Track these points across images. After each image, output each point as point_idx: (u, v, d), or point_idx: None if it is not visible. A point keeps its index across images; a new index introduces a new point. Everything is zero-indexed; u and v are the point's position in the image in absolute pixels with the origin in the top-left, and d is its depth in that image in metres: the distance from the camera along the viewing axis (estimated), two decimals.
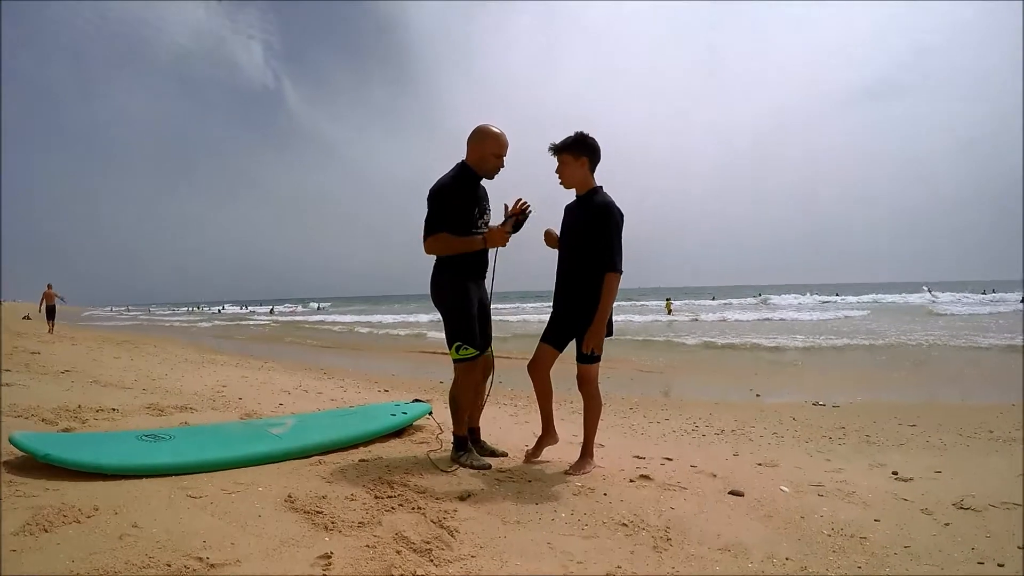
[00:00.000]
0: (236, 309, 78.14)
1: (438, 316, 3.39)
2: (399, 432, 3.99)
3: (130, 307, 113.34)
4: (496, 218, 3.46)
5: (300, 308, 72.91)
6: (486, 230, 3.36)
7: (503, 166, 3.37)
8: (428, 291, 3.38)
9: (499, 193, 3.46)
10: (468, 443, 3.41)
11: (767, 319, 27.39)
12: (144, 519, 2.23)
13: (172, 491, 2.57)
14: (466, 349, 3.28)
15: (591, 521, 2.57)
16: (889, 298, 47.23)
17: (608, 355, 3.58)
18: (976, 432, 5.17)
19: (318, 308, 68.29)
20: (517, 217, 3.36)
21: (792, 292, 61.58)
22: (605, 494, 2.89)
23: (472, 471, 3.20)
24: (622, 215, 3.21)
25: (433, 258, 3.35)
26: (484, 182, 3.41)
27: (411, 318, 32.82)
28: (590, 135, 3.26)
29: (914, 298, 44.80)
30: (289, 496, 2.59)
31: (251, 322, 40.24)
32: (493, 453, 3.56)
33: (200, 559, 1.96)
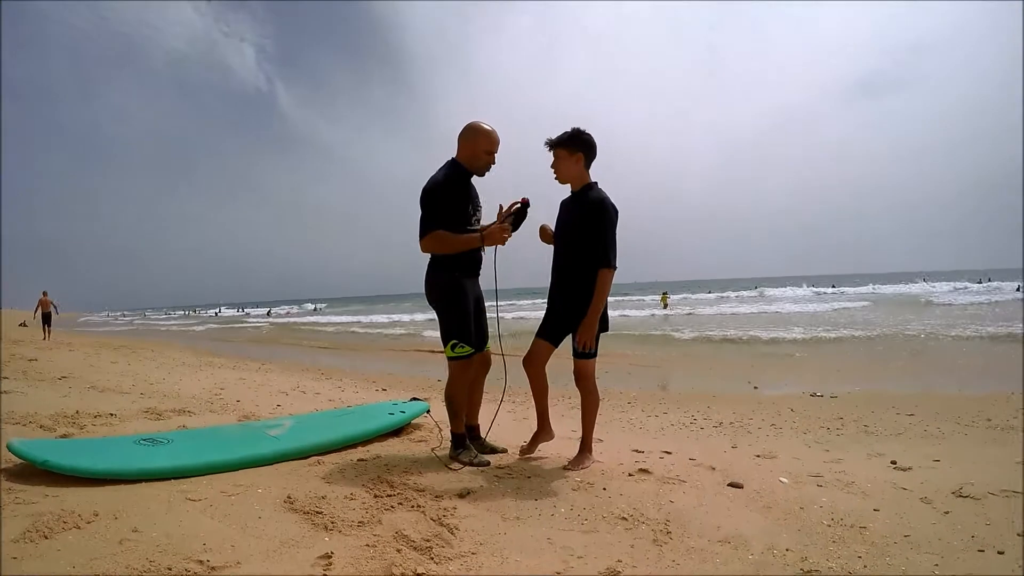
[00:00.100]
0: (232, 312, 77.99)
1: (434, 315, 3.39)
2: (397, 431, 3.99)
3: (124, 313, 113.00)
4: (488, 218, 3.44)
5: (295, 309, 72.75)
6: (480, 227, 3.35)
7: (494, 163, 3.36)
8: (423, 290, 3.37)
9: (497, 192, 3.45)
10: (466, 440, 3.41)
11: (764, 312, 27.43)
12: (144, 523, 2.23)
13: (171, 495, 2.57)
14: (461, 347, 3.27)
15: (591, 516, 2.57)
16: (886, 289, 47.34)
17: (605, 350, 3.59)
18: (974, 421, 5.19)
19: (315, 309, 68.18)
20: (516, 214, 3.34)
21: (789, 285, 61.70)
22: (604, 488, 2.90)
23: (471, 468, 3.21)
24: (617, 211, 3.21)
25: (428, 257, 3.34)
26: (476, 180, 3.40)
27: (407, 317, 32.81)
28: (586, 131, 3.25)
29: (911, 288, 44.93)
30: (288, 497, 2.59)
31: (248, 325, 40.15)
32: (493, 450, 3.57)
33: (201, 562, 1.95)
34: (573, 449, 3.45)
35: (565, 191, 3.40)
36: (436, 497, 2.70)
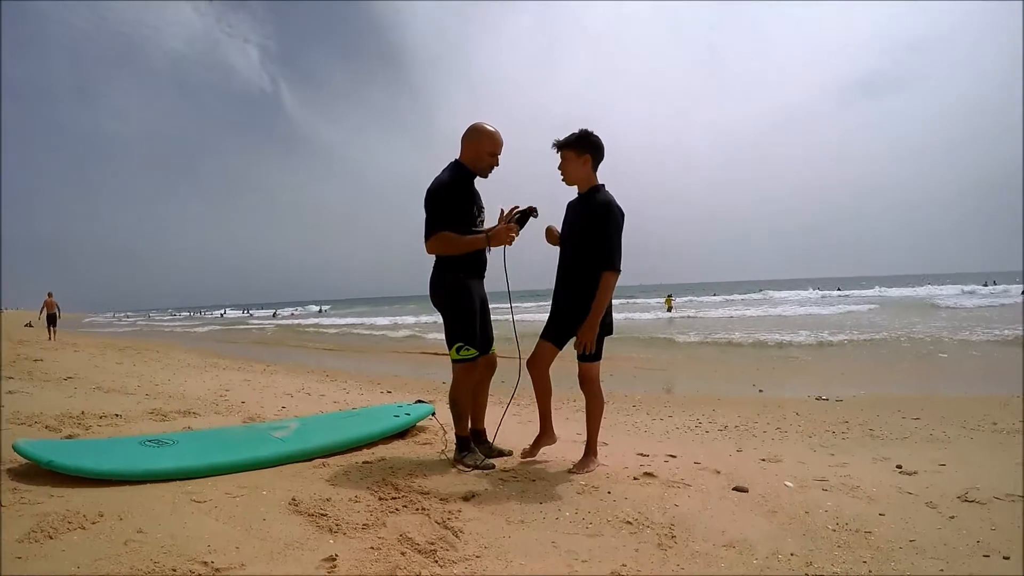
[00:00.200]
0: (237, 313, 78.20)
1: (438, 317, 3.39)
2: (402, 433, 3.99)
3: (128, 314, 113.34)
4: (490, 220, 3.44)
5: (299, 311, 72.89)
6: (484, 228, 3.35)
7: (497, 164, 3.36)
8: (428, 292, 3.37)
9: (500, 192, 3.45)
10: (471, 443, 3.41)
11: (769, 315, 27.37)
12: (149, 524, 2.23)
13: (176, 496, 2.58)
14: (467, 350, 3.27)
15: (595, 519, 2.57)
16: (893, 292, 47.21)
17: (610, 353, 3.58)
18: (980, 424, 5.17)
19: (320, 311, 68.30)
20: (522, 215, 3.33)
21: (794, 287, 61.56)
22: (609, 492, 2.89)
23: (476, 471, 3.20)
24: (623, 214, 3.20)
25: (433, 258, 3.34)
26: (478, 182, 3.40)
27: (411, 319, 32.82)
28: (594, 132, 3.24)
29: (917, 291, 44.78)
30: (293, 499, 2.59)
31: (253, 326, 40.24)
32: (499, 453, 3.56)
33: (205, 563, 1.96)
34: (578, 452, 3.44)
35: (570, 192, 3.40)
36: (441, 500, 2.70)
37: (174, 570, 1.90)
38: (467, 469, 3.22)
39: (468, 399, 3.39)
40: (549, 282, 3.43)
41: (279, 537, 2.21)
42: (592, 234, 3.18)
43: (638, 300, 45.55)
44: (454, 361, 3.30)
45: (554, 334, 3.31)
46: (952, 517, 2.66)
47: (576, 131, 3.24)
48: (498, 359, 3.55)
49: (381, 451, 3.60)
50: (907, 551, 2.31)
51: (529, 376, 3.36)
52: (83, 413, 4.29)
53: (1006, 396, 6.62)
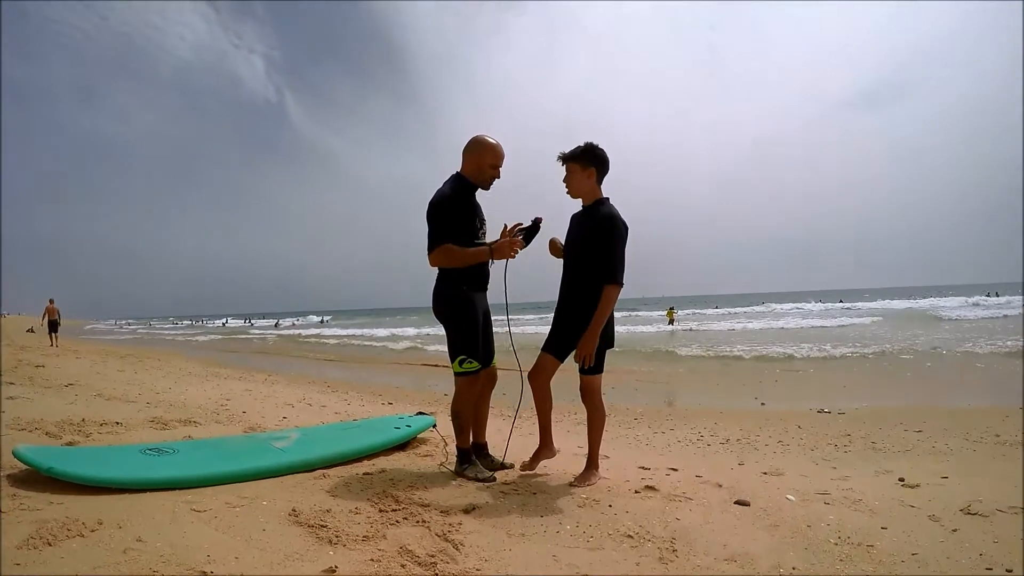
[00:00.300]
0: (239, 323, 78.21)
1: (440, 329, 3.38)
2: (403, 445, 3.98)
3: (129, 321, 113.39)
4: (493, 233, 3.45)
5: (299, 321, 72.94)
6: (486, 240, 3.36)
7: (499, 176, 3.37)
8: (430, 304, 3.37)
9: (499, 194, 3.45)
10: (472, 455, 3.40)
11: (771, 327, 27.33)
12: (148, 533, 2.23)
13: (176, 505, 2.57)
14: (469, 363, 3.27)
15: (596, 533, 2.56)
16: (894, 304, 47.16)
17: (611, 366, 3.58)
18: (982, 436, 5.15)
19: (321, 321, 68.31)
20: (527, 230, 3.34)
21: (796, 300, 61.51)
22: (610, 505, 2.88)
23: (477, 484, 3.19)
24: (627, 227, 3.21)
25: (436, 271, 3.34)
26: (479, 193, 3.41)
27: (413, 330, 32.80)
28: (599, 146, 3.25)
29: (919, 303, 44.75)
30: (293, 510, 2.59)
31: (254, 336, 40.24)
32: (501, 466, 3.55)
33: (204, 573, 1.95)
34: (579, 465, 3.43)
35: (574, 204, 3.41)
36: (441, 512, 2.69)
37: None
38: (465, 482, 3.21)
39: (470, 412, 3.39)
40: (551, 294, 3.43)
41: (279, 548, 2.21)
42: (595, 247, 3.18)
43: (640, 313, 45.51)
44: (456, 374, 3.30)
45: (555, 346, 3.31)
46: (955, 530, 2.64)
47: (582, 144, 3.25)
48: (498, 372, 3.55)
49: (382, 463, 3.59)
50: (909, 564, 2.30)
51: (530, 388, 3.36)
52: (84, 420, 4.30)
53: (1008, 408, 6.59)
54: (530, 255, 3.37)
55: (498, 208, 3.46)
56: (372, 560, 2.14)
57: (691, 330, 28.01)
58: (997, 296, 46.78)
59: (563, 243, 3.44)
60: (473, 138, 3.33)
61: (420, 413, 4.60)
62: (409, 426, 4.11)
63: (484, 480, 3.24)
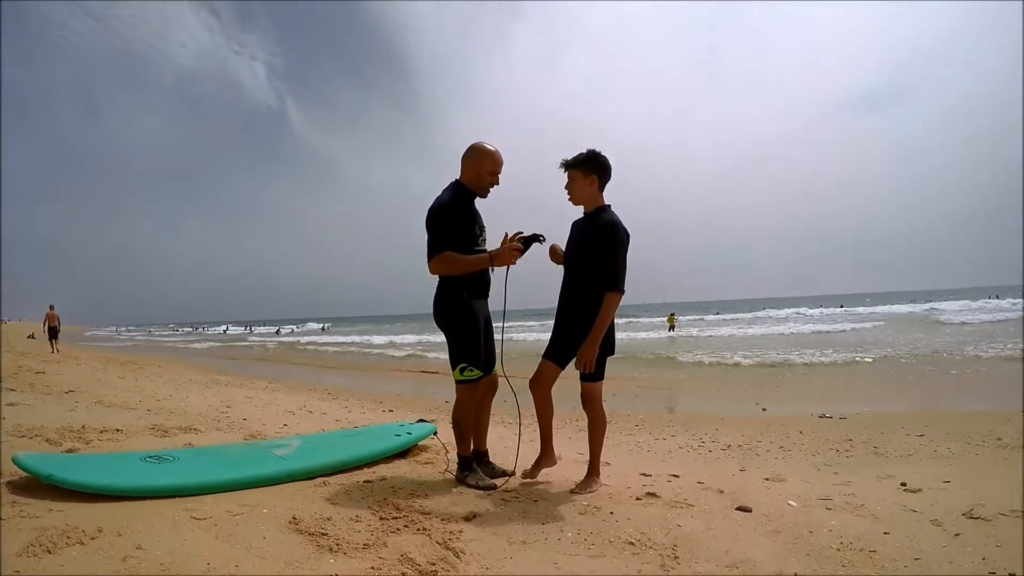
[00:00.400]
0: (240, 330, 78.16)
1: (440, 336, 3.38)
2: (404, 453, 3.97)
3: (129, 328, 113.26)
4: (493, 241, 3.44)
5: (297, 328, 72.93)
6: (486, 248, 3.36)
7: (498, 183, 3.37)
8: (431, 311, 3.36)
9: (499, 195, 3.45)
10: (473, 463, 3.40)
11: (771, 333, 27.30)
12: (148, 541, 2.22)
13: (176, 512, 2.56)
14: (470, 371, 3.27)
15: (598, 540, 2.55)
16: (895, 308, 47.14)
17: (612, 372, 3.57)
18: (984, 440, 5.14)
19: (323, 329, 68.27)
20: (528, 239, 3.33)
21: (796, 305, 61.50)
22: (612, 512, 2.87)
23: (478, 491, 3.18)
24: (628, 235, 3.21)
25: (436, 278, 3.34)
26: (477, 200, 3.41)
27: (413, 338, 32.77)
28: (601, 153, 3.26)
29: (920, 308, 44.74)
30: (293, 518, 2.58)
31: (255, 343, 40.22)
32: (503, 473, 3.54)
33: None
34: (580, 472, 3.43)
35: (574, 210, 3.41)
36: (442, 520, 2.69)
37: None
38: (466, 490, 3.20)
39: (471, 419, 3.38)
40: (551, 301, 3.43)
41: (279, 556, 2.20)
42: (596, 254, 3.18)
43: (641, 319, 45.47)
44: (458, 381, 3.30)
45: (556, 353, 3.30)
46: (957, 534, 2.64)
47: (584, 151, 3.26)
48: (498, 379, 3.55)
49: (382, 470, 3.58)
50: (912, 569, 2.29)
51: (531, 396, 3.35)
52: (84, 427, 4.29)
53: (1010, 411, 6.58)
54: (530, 262, 3.36)
55: (501, 214, 3.46)
56: (373, 568, 2.14)
57: (692, 336, 27.98)
58: (998, 299, 46.79)
59: (563, 249, 3.44)
60: (472, 145, 3.33)
61: (421, 420, 4.58)
62: (410, 433, 4.10)
63: (485, 488, 3.23)
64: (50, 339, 20.29)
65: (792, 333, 26.64)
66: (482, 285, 3.37)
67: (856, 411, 7.23)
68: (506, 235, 3.36)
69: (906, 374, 11.47)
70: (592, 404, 3.29)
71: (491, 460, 3.61)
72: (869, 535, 2.63)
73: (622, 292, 3.17)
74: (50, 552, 2.07)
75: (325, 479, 3.29)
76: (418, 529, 2.56)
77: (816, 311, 49.08)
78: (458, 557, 2.31)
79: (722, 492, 3.31)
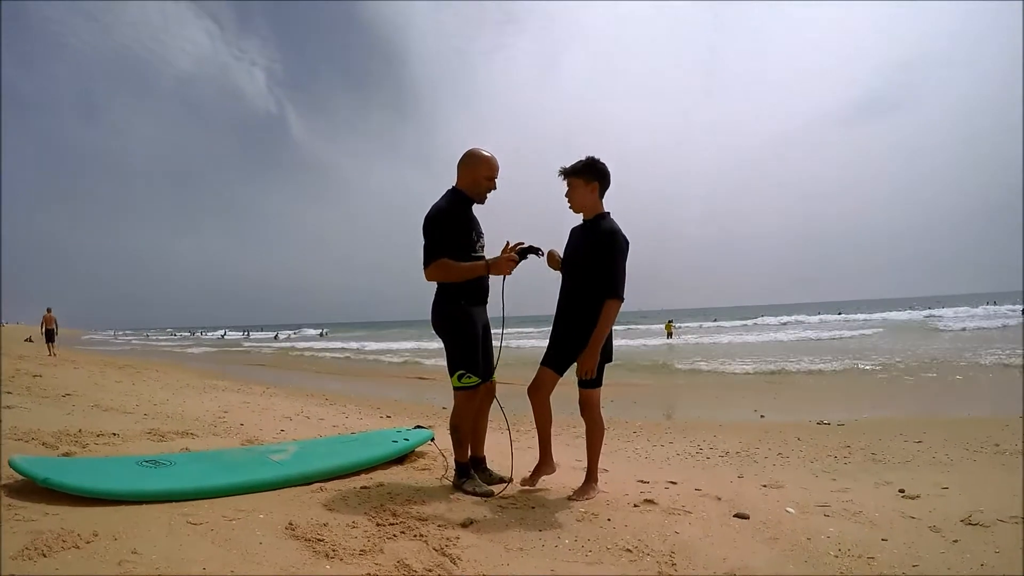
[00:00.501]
0: (237, 335, 78.05)
1: (439, 342, 3.37)
2: (401, 459, 3.96)
3: (127, 332, 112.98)
4: (493, 247, 3.44)
5: (294, 334, 72.89)
6: (484, 254, 3.36)
7: (495, 188, 3.38)
8: (429, 318, 3.36)
9: (500, 197, 3.44)
10: (470, 470, 3.39)
11: (769, 340, 27.32)
12: (144, 545, 2.21)
13: (172, 517, 2.55)
14: (468, 378, 3.26)
15: (595, 547, 2.54)
16: (893, 315, 47.22)
17: (610, 379, 3.57)
18: (983, 446, 5.14)
19: (321, 334, 68.20)
20: (526, 251, 3.32)
21: (794, 312, 61.53)
22: (609, 519, 2.87)
23: (475, 498, 3.18)
24: (628, 242, 3.21)
25: (434, 285, 3.34)
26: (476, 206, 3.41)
27: (411, 344, 32.74)
28: (600, 160, 3.27)
29: (920, 315, 44.83)
30: (290, 523, 2.57)
31: (253, 348, 40.16)
32: (500, 480, 3.53)
33: None
34: (578, 479, 3.42)
35: (573, 215, 3.40)
36: (439, 526, 2.68)
37: None
38: (463, 496, 3.19)
39: (469, 426, 3.38)
40: (549, 308, 3.43)
41: (275, 562, 2.19)
42: (595, 261, 3.18)
43: (639, 326, 45.47)
44: (456, 388, 3.29)
45: (554, 360, 3.30)
46: (955, 541, 2.63)
47: (583, 159, 3.26)
48: (496, 386, 3.54)
49: (379, 476, 3.57)
50: None
51: (530, 403, 3.35)
52: (81, 431, 4.28)
53: (1008, 417, 6.58)
54: (528, 269, 3.36)
55: (500, 217, 3.46)
56: (369, 574, 2.13)
57: (690, 343, 27.98)
58: (995, 305, 46.89)
59: (561, 256, 3.44)
60: (467, 152, 3.34)
61: (418, 427, 4.58)
62: (407, 440, 4.09)
63: (482, 494, 3.22)
64: (47, 342, 20.28)
65: (790, 340, 26.67)
66: (480, 292, 3.37)
67: (854, 418, 7.23)
68: (507, 243, 3.35)
69: (903, 381, 11.48)
70: (590, 411, 3.28)
71: (488, 467, 3.61)
72: (867, 542, 2.63)
73: (622, 300, 3.17)
74: (45, 556, 2.06)
75: (322, 485, 3.28)
76: (415, 535, 2.55)
77: (815, 318, 49.12)
78: (455, 563, 2.30)
79: (720, 499, 3.30)
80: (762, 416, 7.87)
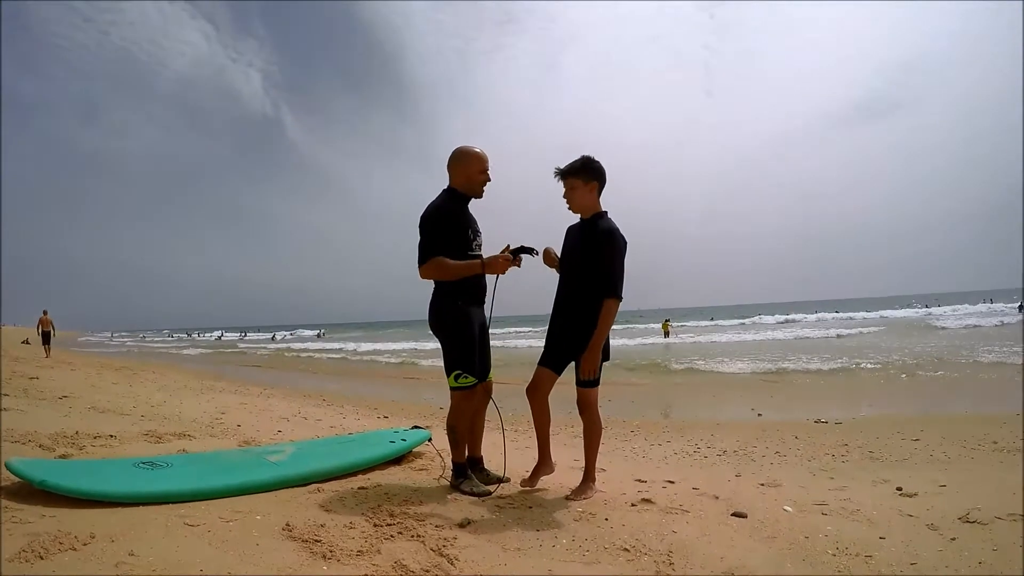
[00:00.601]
0: (234, 336, 77.91)
1: (435, 342, 3.37)
2: (398, 459, 3.95)
3: (123, 333, 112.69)
4: (492, 246, 3.43)
5: (291, 335, 72.84)
6: (481, 252, 3.35)
7: (490, 180, 3.37)
8: (426, 317, 3.35)
9: (499, 198, 3.43)
10: (467, 470, 3.38)
11: (766, 339, 27.35)
12: (141, 547, 2.20)
13: (169, 519, 2.54)
14: (465, 378, 3.25)
15: (593, 547, 2.54)
16: (890, 313, 47.31)
17: (607, 379, 3.57)
18: (980, 444, 5.15)
19: (318, 335, 68.11)
20: (521, 250, 3.31)
21: (791, 311, 61.62)
22: (607, 519, 2.86)
23: (472, 498, 3.17)
24: (625, 242, 3.21)
25: (431, 284, 3.33)
26: (476, 203, 3.40)
27: (408, 344, 32.72)
28: (596, 159, 3.26)
29: (919, 312, 44.94)
30: (287, 524, 2.56)
31: (250, 350, 40.10)
32: (497, 480, 3.52)
33: None
34: (575, 478, 3.42)
35: (573, 216, 3.40)
36: (436, 527, 2.67)
37: None
38: (461, 496, 3.19)
39: (466, 426, 3.37)
40: (545, 308, 3.42)
41: (272, 563, 2.19)
42: (593, 260, 3.17)
43: (636, 326, 45.50)
44: (452, 388, 3.28)
45: (552, 360, 3.30)
46: (953, 539, 2.63)
47: (579, 159, 3.25)
48: (493, 385, 3.54)
49: (377, 477, 3.56)
50: (908, 574, 2.29)
51: (528, 403, 3.34)
52: (78, 433, 4.26)
53: (1006, 414, 6.60)
54: (525, 269, 3.35)
55: (501, 217, 3.45)
56: (367, 575, 2.13)
57: (687, 342, 28.01)
58: (992, 303, 47.05)
59: (558, 254, 3.44)
60: (455, 151, 3.34)
61: (415, 427, 4.57)
62: (404, 440, 4.09)
63: (479, 494, 3.22)
64: (43, 344, 20.25)
65: (787, 339, 26.70)
66: (478, 291, 3.36)
67: (852, 416, 7.25)
68: (507, 246, 3.33)
69: (901, 379, 11.50)
70: (588, 410, 3.28)
71: (486, 467, 3.60)
72: (865, 540, 2.62)
73: (620, 299, 3.17)
74: (42, 558, 2.05)
75: (319, 486, 3.27)
76: (412, 536, 2.55)
77: (812, 316, 49.21)
78: (452, 564, 2.30)
79: (717, 498, 3.30)
80: (760, 415, 7.88)
